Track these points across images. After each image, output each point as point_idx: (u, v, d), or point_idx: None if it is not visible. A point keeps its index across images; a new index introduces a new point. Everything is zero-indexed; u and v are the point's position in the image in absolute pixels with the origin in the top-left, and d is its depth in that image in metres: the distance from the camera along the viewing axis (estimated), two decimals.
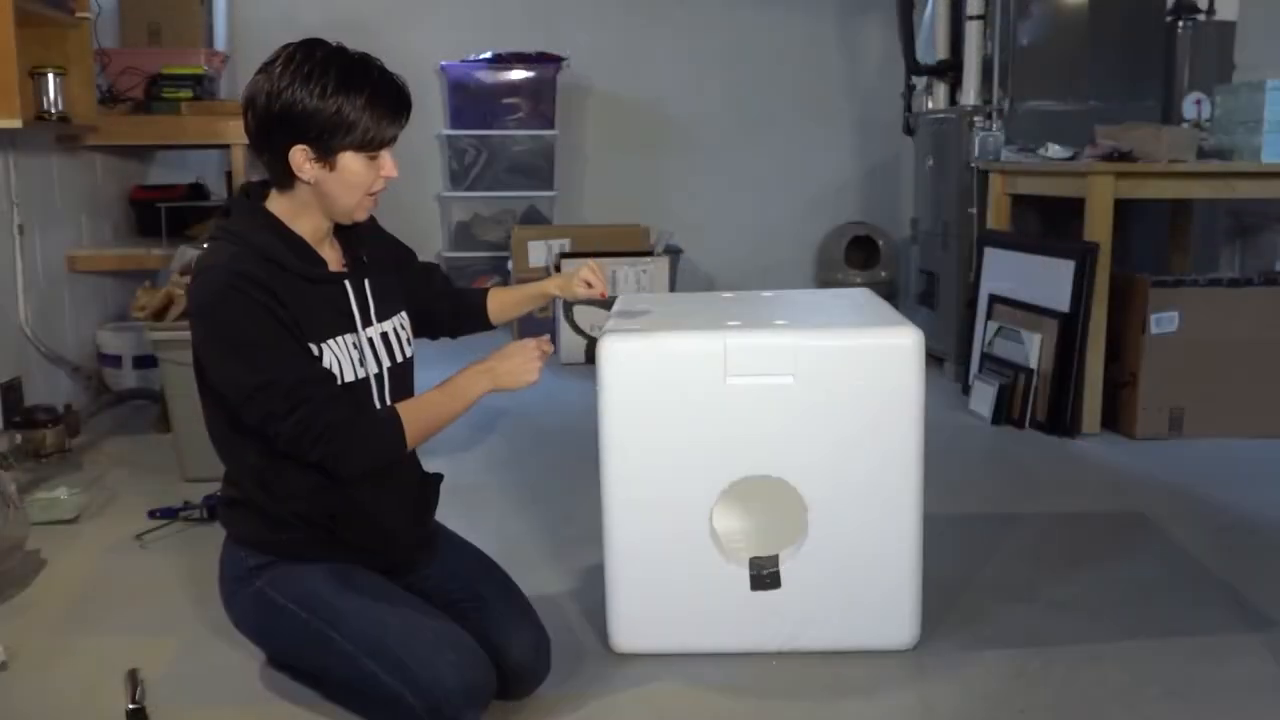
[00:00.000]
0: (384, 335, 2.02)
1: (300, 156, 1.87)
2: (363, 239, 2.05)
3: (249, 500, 1.97)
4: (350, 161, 1.89)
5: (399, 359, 2.04)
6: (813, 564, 2.17)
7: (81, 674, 2.16)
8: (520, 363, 1.99)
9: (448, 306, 2.25)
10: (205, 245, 1.97)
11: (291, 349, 1.86)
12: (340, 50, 1.89)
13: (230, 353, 1.86)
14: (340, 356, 1.93)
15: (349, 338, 1.95)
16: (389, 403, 1.99)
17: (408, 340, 2.09)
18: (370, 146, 1.89)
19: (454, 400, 1.97)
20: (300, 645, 1.94)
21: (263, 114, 1.87)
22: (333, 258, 2.00)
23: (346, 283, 1.97)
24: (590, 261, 2.20)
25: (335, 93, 1.83)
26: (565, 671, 2.11)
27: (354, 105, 1.84)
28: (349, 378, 1.93)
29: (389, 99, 1.89)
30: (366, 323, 1.99)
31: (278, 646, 2.05)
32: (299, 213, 1.94)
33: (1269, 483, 3.34)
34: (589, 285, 2.16)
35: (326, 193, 1.91)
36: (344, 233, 2.02)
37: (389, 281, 2.07)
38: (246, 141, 1.98)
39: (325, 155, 1.87)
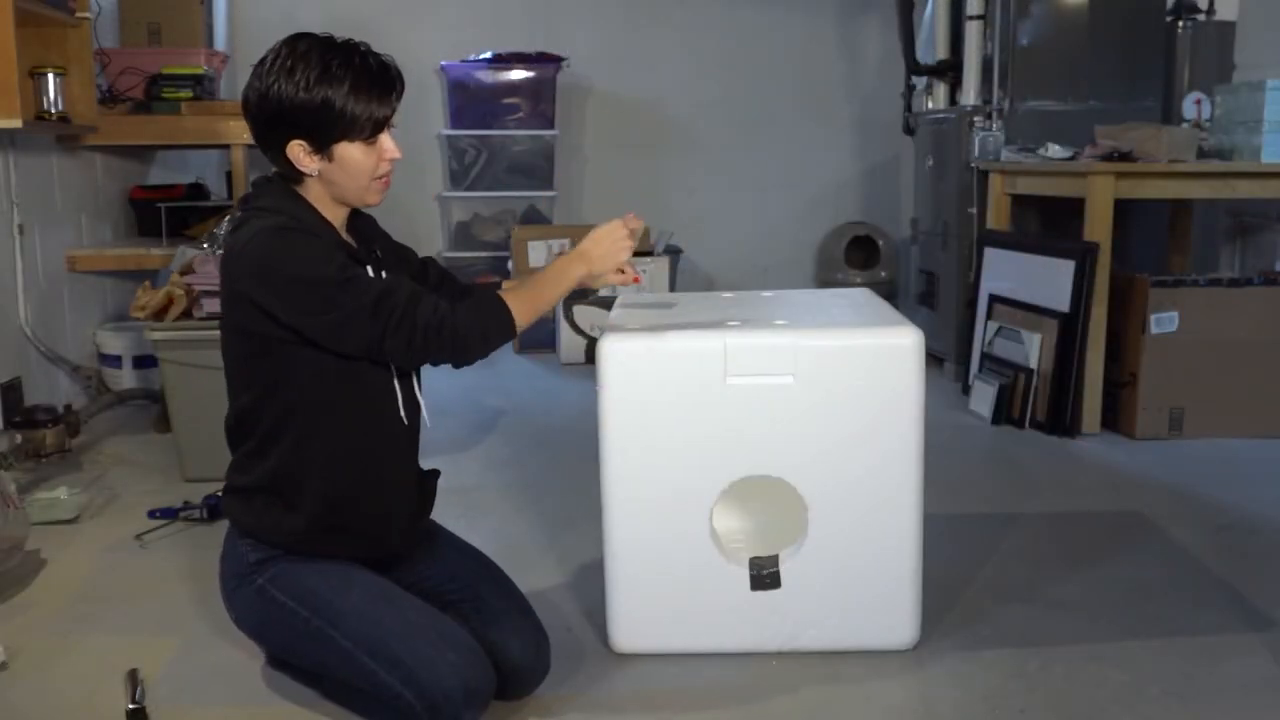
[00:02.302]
0: None
1: (298, 150, 1.89)
2: (372, 235, 2.08)
3: (258, 486, 1.97)
4: (348, 150, 1.90)
5: None
6: (813, 564, 2.17)
7: (81, 674, 2.16)
8: (610, 244, 2.01)
9: (447, 298, 2.25)
10: (234, 227, 1.97)
11: (360, 273, 1.90)
12: (324, 40, 1.91)
13: (312, 292, 1.84)
14: None
15: None
16: (416, 392, 2.03)
17: None
18: (363, 134, 1.90)
19: (551, 285, 2.00)
20: (300, 643, 1.94)
21: (256, 113, 1.90)
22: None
23: (369, 268, 1.99)
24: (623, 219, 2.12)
25: (317, 84, 1.85)
26: (565, 671, 2.12)
27: (338, 94, 1.86)
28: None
29: (373, 81, 1.89)
30: None
31: (277, 644, 2.05)
32: (318, 201, 1.96)
33: (1269, 483, 3.34)
34: (621, 272, 2.10)
35: (333, 181, 1.93)
36: (354, 229, 2.04)
37: (396, 275, 2.08)
38: (247, 141, 2.01)
39: (321, 147, 1.89)
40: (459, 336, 1.89)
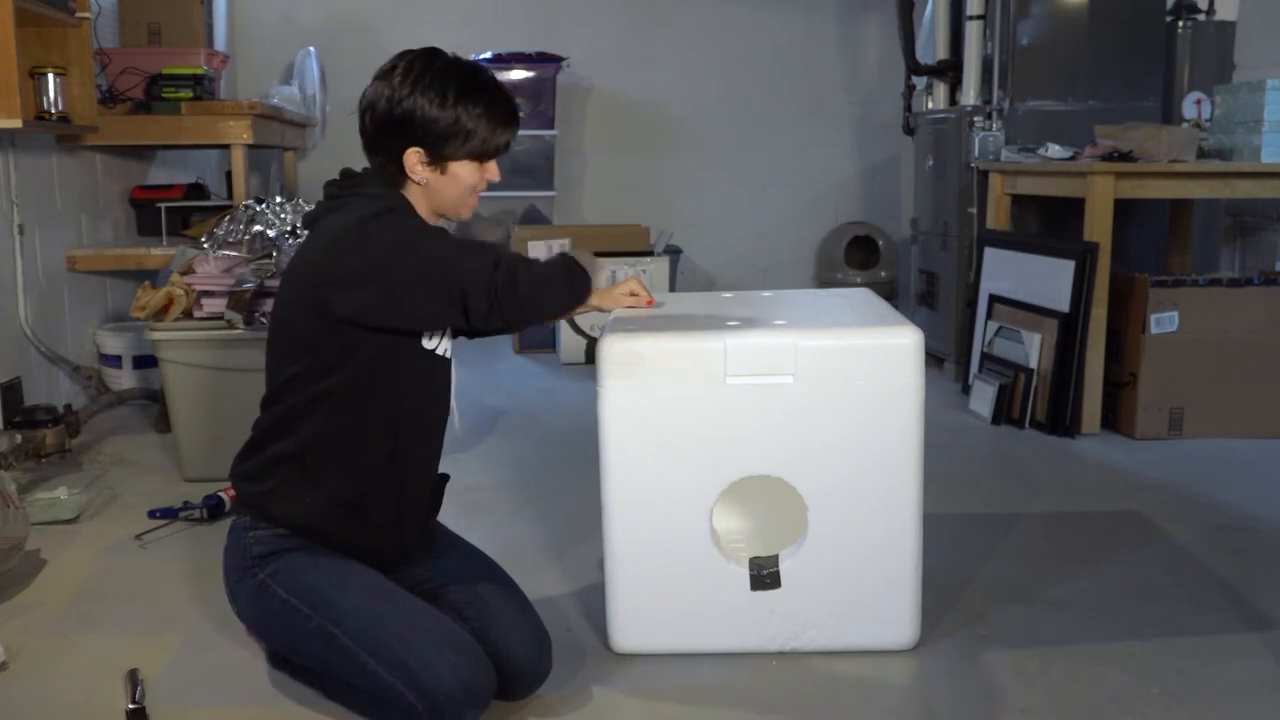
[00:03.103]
0: (445, 350, 2.08)
1: (414, 158, 1.98)
2: None
3: (285, 454, 1.97)
4: (461, 167, 2.00)
5: (450, 350, 2.10)
6: (813, 564, 2.17)
7: (81, 674, 2.16)
8: (623, 291, 2.22)
9: None
10: (342, 206, 2.00)
11: (458, 238, 2.01)
12: (458, 61, 2.00)
13: (426, 260, 1.92)
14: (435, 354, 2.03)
15: (437, 340, 2.04)
16: (450, 393, 2.11)
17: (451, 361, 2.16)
18: (483, 156, 2.01)
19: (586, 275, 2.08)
20: (300, 640, 1.94)
21: (383, 118, 1.97)
22: None
23: None
24: (634, 274, 2.34)
25: (455, 103, 1.95)
26: (565, 671, 2.12)
27: (471, 115, 1.96)
28: (433, 347, 2.02)
29: (503, 110, 2.00)
30: (446, 331, 2.06)
31: (278, 639, 2.04)
32: (415, 204, 2.03)
33: (1269, 483, 3.34)
34: (633, 295, 2.23)
35: (435, 191, 2.02)
36: None
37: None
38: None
39: (438, 160, 1.98)
40: (539, 291, 1.97)
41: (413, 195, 2.02)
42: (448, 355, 2.07)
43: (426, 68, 1.95)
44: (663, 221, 5.99)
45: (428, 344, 2.01)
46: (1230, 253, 5.22)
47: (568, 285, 2.03)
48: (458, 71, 1.97)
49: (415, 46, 2.03)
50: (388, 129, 1.97)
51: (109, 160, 4.61)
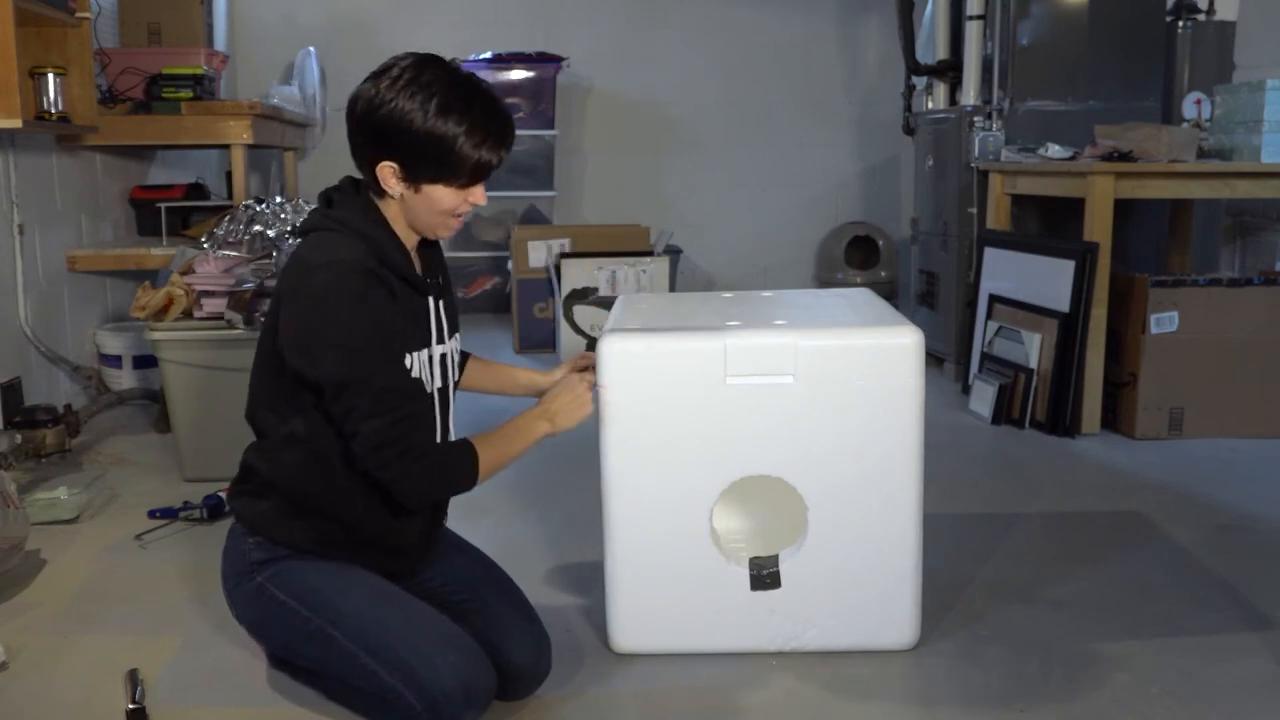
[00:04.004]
0: (443, 356, 2.02)
1: (388, 173, 1.87)
2: (438, 262, 2.06)
3: (275, 486, 1.95)
4: (437, 189, 1.88)
5: (450, 381, 2.06)
6: (813, 564, 2.17)
7: (81, 674, 2.16)
8: (570, 399, 2.03)
9: None
10: (312, 232, 1.93)
11: (395, 355, 1.87)
12: (452, 73, 1.86)
13: (337, 346, 1.82)
14: (421, 368, 1.94)
15: (423, 353, 1.96)
16: (448, 421, 2.02)
17: (456, 364, 2.10)
18: (461, 179, 1.88)
19: (519, 439, 2.01)
20: (300, 642, 1.94)
21: (359, 122, 1.87)
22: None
23: (429, 297, 1.98)
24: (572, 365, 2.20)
25: (434, 118, 1.81)
26: (565, 671, 2.11)
27: (453, 135, 1.83)
28: (425, 386, 1.95)
29: (488, 129, 1.86)
30: (439, 340, 2.00)
31: (277, 642, 2.04)
32: (394, 219, 1.94)
33: (1269, 483, 3.34)
34: (578, 392, 2.08)
35: (410, 209, 1.91)
36: (423, 252, 2.02)
37: (450, 304, 2.08)
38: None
39: (412, 179, 1.87)
40: (413, 479, 1.87)
41: (390, 210, 1.92)
42: (433, 388, 1.98)
43: (414, 77, 1.83)
44: (663, 221, 5.99)
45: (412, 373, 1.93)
46: (1230, 253, 5.22)
47: (454, 483, 1.93)
48: (445, 84, 1.83)
49: (415, 47, 1.98)
50: (363, 136, 1.87)
51: (109, 160, 4.61)
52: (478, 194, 1.92)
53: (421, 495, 1.93)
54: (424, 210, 1.91)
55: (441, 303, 2.02)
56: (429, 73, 1.84)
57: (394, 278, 1.88)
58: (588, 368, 2.14)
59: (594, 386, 2.08)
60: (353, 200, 1.93)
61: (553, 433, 2.04)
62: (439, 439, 2.00)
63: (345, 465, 1.91)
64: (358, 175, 1.97)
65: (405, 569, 2.05)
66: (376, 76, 1.86)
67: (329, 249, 1.86)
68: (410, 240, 1.97)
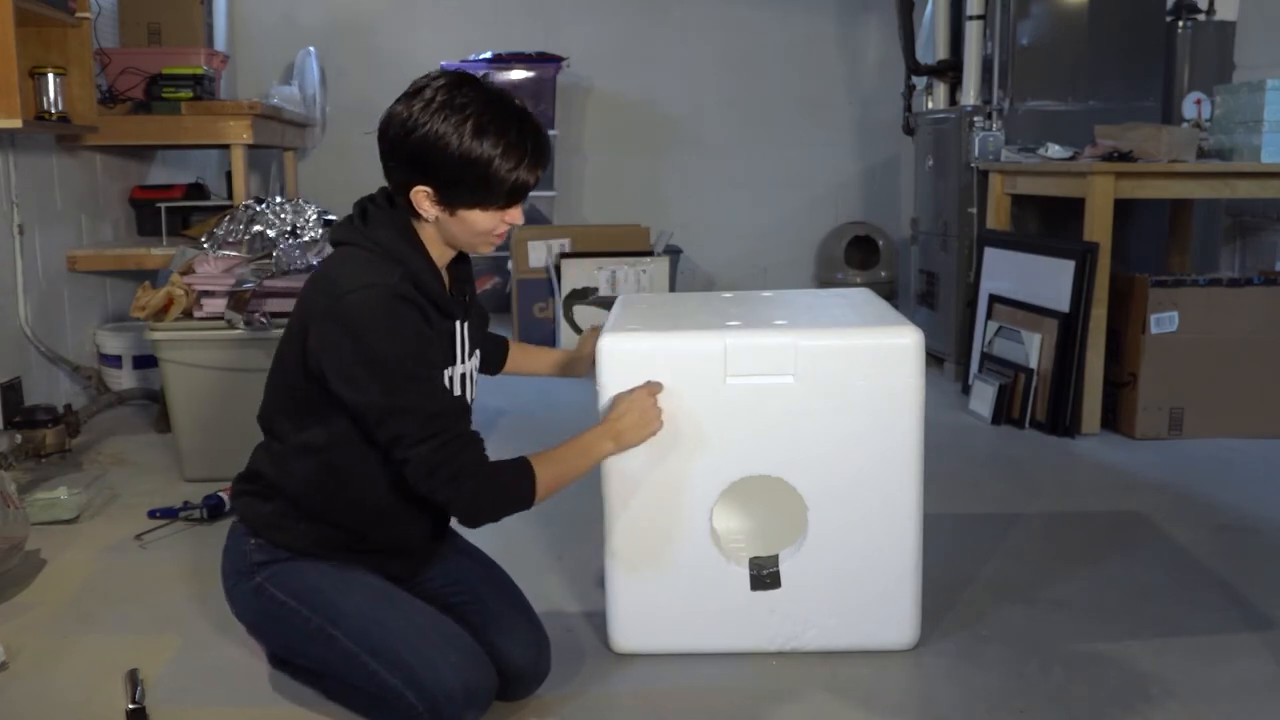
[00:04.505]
0: (463, 376, 2.02)
1: (422, 197, 1.85)
2: (466, 279, 2.05)
3: (282, 491, 1.95)
4: (473, 214, 1.86)
5: (471, 399, 2.06)
6: (813, 564, 2.17)
7: (81, 674, 2.16)
8: (637, 418, 2.02)
9: (488, 349, 2.27)
10: (343, 246, 1.90)
11: (437, 378, 1.87)
12: (483, 96, 1.82)
13: (379, 374, 1.80)
14: (451, 388, 1.94)
15: (449, 371, 1.96)
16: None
17: (475, 382, 2.11)
18: (498, 203, 1.86)
19: (581, 458, 2.00)
20: (300, 641, 1.94)
21: (393, 145, 1.84)
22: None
23: (457, 323, 1.98)
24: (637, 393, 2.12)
25: (468, 145, 1.79)
26: (565, 671, 2.12)
27: (483, 159, 1.80)
28: (468, 406, 1.95)
29: (522, 150, 1.83)
30: (463, 359, 2.00)
31: (277, 641, 2.04)
32: (430, 240, 1.92)
33: (1269, 483, 3.34)
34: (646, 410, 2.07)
35: (446, 230, 1.90)
36: (453, 269, 2.01)
37: (475, 322, 2.07)
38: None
39: (447, 203, 1.85)
40: (471, 500, 1.87)
41: (425, 230, 1.91)
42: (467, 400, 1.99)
43: (449, 99, 1.79)
44: (663, 221, 5.99)
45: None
46: (1230, 253, 5.22)
47: (509, 501, 1.92)
48: (479, 104, 1.79)
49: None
50: (397, 160, 1.84)
51: (109, 160, 4.61)
52: (514, 214, 1.90)
53: (477, 515, 1.91)
54: (461, 232, 1.89)
55: (466, 324, 2.01)
56: (463, 94, 1.81)
57: (426, 302, 1.87)
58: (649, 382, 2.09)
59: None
60: (390, 218, 1.90)
61: (616, 450, 2.03)
62: None
63: (360, 477, 1.91)
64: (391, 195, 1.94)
65: (406, 572, 2.05)
66: (409, 98, 1.83)
67: (363, 271, 1.83)
68: (445, 258, 1.96)
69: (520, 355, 2.37)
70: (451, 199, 1.85)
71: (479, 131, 1.80)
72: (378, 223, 1.90)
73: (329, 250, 3.18)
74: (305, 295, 1.93)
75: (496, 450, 1.92)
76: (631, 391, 2.04)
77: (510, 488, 1.91)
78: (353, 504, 1.95)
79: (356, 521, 1.96)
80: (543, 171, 1.89)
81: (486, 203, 1.85)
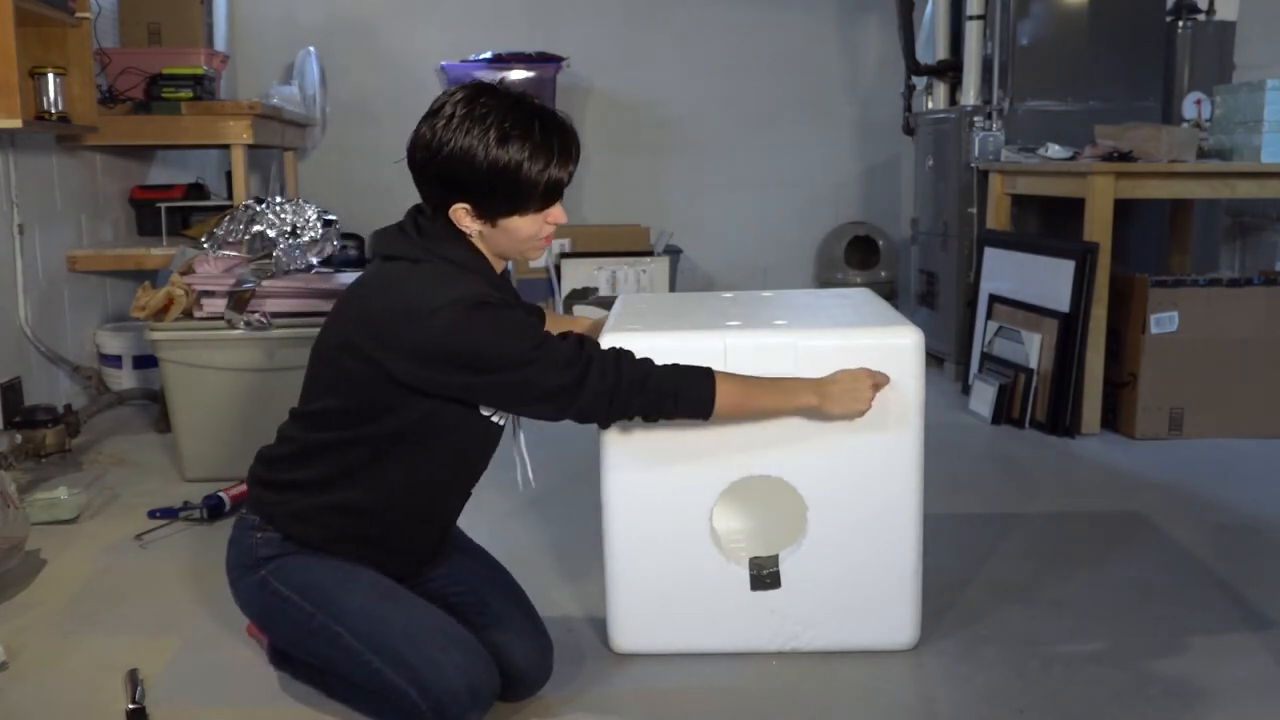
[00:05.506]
0: None
1: (462, 214, 1.86)
2: (506, 283, 2.04)
3: (302, 487, 1.94)
4: (513, 221, 1.87)
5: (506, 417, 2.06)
6: (813, 564, 2.17)
7: (81, 674, 2.16)
8: (850, 388, 2.01)
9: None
10: (403, 261, 1.88)
11: (552, 337, 1.86)
12: (502, 102, 1.83)
13: (501, 368, 1.81)
14: None
15: None
16: (518, 437, 2.06)
17: None
18: (535, 205, 1.86)
19: (776, 394, 1.99)
20: (303, 637, 1.94)
21: (422, 168, 1.86)
22: None
23: None
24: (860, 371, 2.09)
25: (494, 154, 1.79)
26: (565, 671, 2.11)
27: (517, 166, 1.81)
28: (490, 412, 1.94)
29: (552, 153, 1.83)
30: None
31: (281, 636, 2.03)
32: (483, 251, 1.93)
33: (1269, 483, 3.34)
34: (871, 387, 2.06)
35: (492, 241, 1.91)
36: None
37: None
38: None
39: (487, 216, 1.86)
40: (662, 396, 1.88)
41: (475, 243, 1.91)
42: (503, 423, 2.01)
43: (468, 112, 1.80)
44: (663, 221, 5.99)
45: (485, 410, 1.94)
46: (1230, 253, 5.22)
47: (693, 388, 1.91)
48: (500, 111, 1.80)
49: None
50: (428, 182, 1.85)
51: (109, 160, 4.61)
52: (556, 213, 1.91)
53: (661, 403, 1.90)
54: (507, 242, 1.90)
55: None
56: (481, 104, 1.82)
57: (502, 304, 1.88)
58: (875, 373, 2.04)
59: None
60: (449, 231, 1.90)
61: (817, 407, 2.01)
62: (479, 475, 2.04)
63: (392, 482, 1.92)
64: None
65: (410, 571, 2.05)
66: (430, 118, 1.84)
67: (443, 287, 1.83)
68: (499, 267, 1.97)
69: (552, 322, 2.29)
70: (490, 210, 1.85)
71: (503, 139, 1.80)
72: (437, 236, 1.89)
73: (329, 251, 3.17)
74: (369, 300, 1.89)
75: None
76: (857, 369, 2.03)
77: (692, 377, 1.91)
78: (381, 505, 1.94)
79: (378, 524, 1.96)
80: (574, 165, 1.89)
81: (524, 207, 1.86)
